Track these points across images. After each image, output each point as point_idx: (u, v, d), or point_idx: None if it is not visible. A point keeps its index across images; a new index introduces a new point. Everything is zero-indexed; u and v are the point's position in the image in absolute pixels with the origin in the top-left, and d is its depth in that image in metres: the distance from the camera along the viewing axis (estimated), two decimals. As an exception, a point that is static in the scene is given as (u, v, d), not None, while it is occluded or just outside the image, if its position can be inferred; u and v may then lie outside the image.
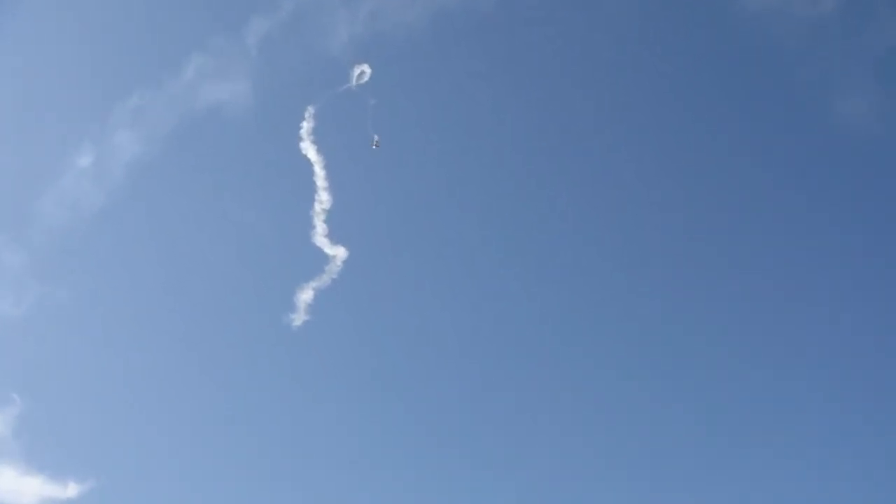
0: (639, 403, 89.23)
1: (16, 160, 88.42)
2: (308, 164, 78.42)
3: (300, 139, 78.44)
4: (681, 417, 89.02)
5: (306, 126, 78.14)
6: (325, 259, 78.28)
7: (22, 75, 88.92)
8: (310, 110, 78.18)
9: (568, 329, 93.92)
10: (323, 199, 77.03)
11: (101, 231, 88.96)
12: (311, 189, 78.29)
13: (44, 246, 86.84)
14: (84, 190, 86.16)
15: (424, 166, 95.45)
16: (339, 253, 77.53)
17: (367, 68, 75.96)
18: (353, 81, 76.19)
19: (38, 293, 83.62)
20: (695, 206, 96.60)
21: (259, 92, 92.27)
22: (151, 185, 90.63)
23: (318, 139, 78.68)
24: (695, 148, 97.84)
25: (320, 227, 76.96)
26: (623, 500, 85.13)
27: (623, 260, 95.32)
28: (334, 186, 78.40)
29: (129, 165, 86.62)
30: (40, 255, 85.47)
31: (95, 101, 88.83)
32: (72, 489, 76.40)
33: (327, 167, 77.86)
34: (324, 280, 78.41)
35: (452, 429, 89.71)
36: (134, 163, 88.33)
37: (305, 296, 78.63)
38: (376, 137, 76.98)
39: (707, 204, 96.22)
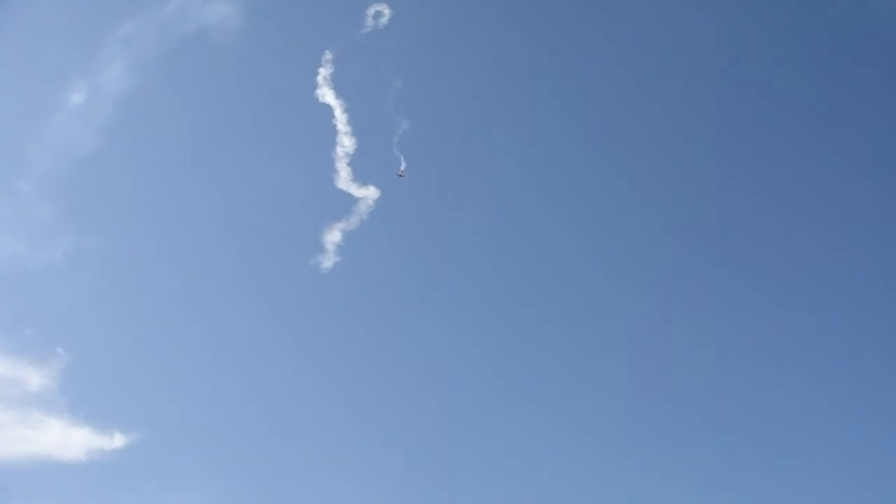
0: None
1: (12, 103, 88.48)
2: (327, 108, 78.64)
3: (317, 84, 78.46)
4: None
5: (324, 71, 78.15)
6: (352, 201, 78.67)
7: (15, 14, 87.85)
8: (327, 55, 78.22)
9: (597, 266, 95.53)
10: (346, 143, 77.13)
11: (126, 175, 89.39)
12: (332, 133, 78.71)
13: (74, 194, 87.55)
14: (111, 135, 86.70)
15: (449, 105, 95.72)
16: (368, 193, 77.77)
17: (385, 9, 76.20)
18: (371, 24, 76.45)
19: (70, 242, 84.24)
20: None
21: (276, 28, 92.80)
22: (171, 129, 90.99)
23: (337, 82, 78.82)
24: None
25: (344, 171, 77.23)
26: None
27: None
28: (356, 130, 78.80)
29: (130, 105, 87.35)
30: (72, 203, 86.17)
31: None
32: (118, 440, 77.81)
33: (348, 111, 77.90)
34: (352, 222, 78.84)
35: (483, 371, 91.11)
36: (147, 105, 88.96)
37: (333, 238, 79.17)
38: (403, 166, 77.11)
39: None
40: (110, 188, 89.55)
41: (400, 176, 76.14)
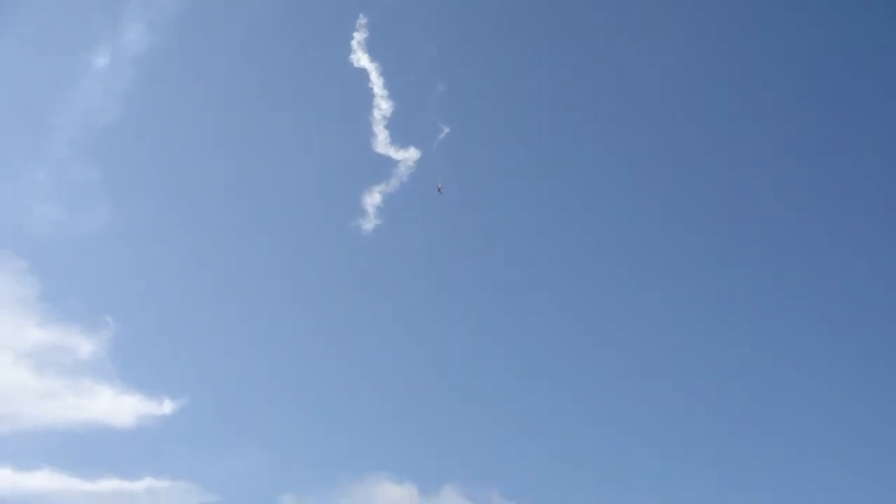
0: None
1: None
2: (363, 72, 78.09)
3: (352, 49, 77.85)
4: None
5: (358, 36, 77.46)
6: (391, 164, 78.41)
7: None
8: (361, 19, 77.47)
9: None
10: (382, 107, 76.63)
11: (159, 141, 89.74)
12: (368, 96, 78.13)
13: (115, 160, 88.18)
14: (139, 100, 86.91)
15: (487, 66, 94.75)
16: (408, 155, 77.40)
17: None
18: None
19: (112, 209, 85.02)
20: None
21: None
22: (203, 94, 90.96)
23: (371, 47, 78.17)
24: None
25: (382, 135, 76.82)
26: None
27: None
28: (392, 94, 78.14)
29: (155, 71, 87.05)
30: (113, 169, 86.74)
31: None
32: (167, 406, 79.26)
33: (384, 74, 77.25)
34: (392, 184, 78.69)
35: (526, 331, 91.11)
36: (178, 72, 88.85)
37: (373, 200, 79.09)
38: (440, 185, 76.30)
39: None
40: (146, 154, 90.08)
41: (439, 190, 75.80)
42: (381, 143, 75.91)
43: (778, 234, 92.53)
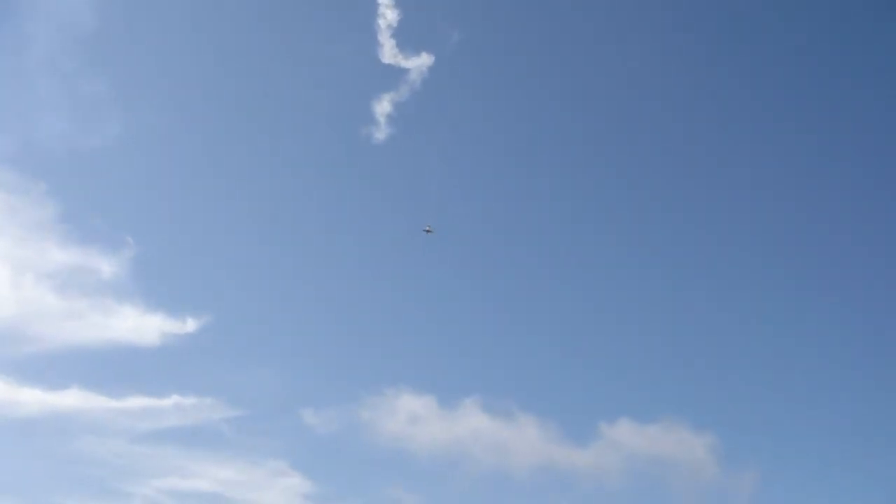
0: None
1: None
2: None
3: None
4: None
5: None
6: (400, 72, 76.39)
7: None
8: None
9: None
10: (388, 16, 74.33)
11: (177, 52, 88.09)
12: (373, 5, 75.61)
13: (123, 71, 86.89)
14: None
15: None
16: (420, 62, 75.32)
17: None
18: None
19: (121, 123, 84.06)
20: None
21: None
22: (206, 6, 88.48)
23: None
24: None
25: (388, 44, 74.71)
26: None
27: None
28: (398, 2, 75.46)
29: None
30: (120, 81, 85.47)
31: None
32: (190, 324, 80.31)
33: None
34: (402, 93, 76.93)
35: (546, 242, 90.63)
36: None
37: (383, 109, 77.52)
38: (428, 227, 73.42)
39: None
40: (155, 63, 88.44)
41: (428, 231, 73.88)
42: (388, 52, 73.83)
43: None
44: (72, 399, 74.95)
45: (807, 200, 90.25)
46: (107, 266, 78.51)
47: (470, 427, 75.45)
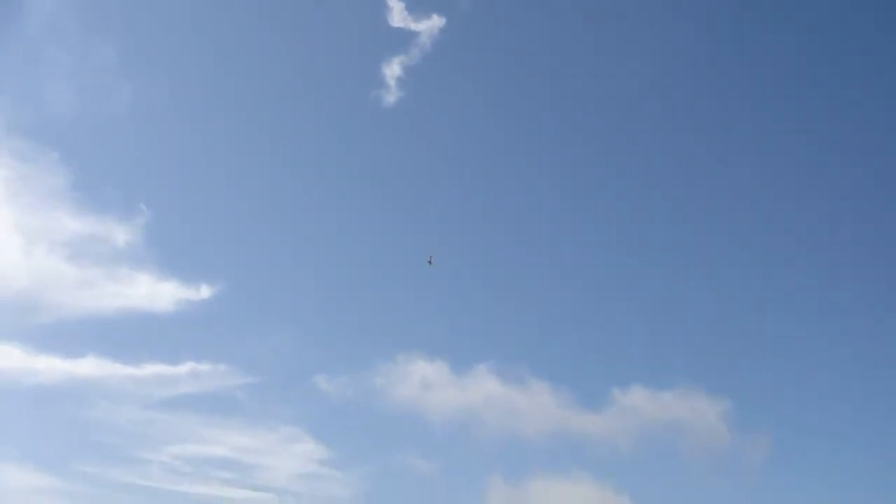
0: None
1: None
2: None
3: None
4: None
5: None
6: (410, 35, 75.37)
7: None
8: None
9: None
10: None
11: (186, 18, 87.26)
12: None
13: (131, 39, 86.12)
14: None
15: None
16: (431, 24, 74.26)
17: None
18: None
19: (131, 91, 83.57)
20: None
21: None
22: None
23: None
24: None
25: (397, 7, 73.67)
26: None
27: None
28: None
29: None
30: (130, 49, 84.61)
31: None
32: (204, 291, 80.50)
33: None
34: (413, 55, 75.99)
35: (564, 207, 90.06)
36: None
37: (392, 72, 76.67)
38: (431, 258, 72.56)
39: None
40: (164, 31, 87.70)
41: (430, 262, 73.17)
42: (398, 15, 72.88)
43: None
44: (88, 367, 75.63)
45: (815, 159, 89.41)
46: (120, 234, 78.70)
47: (482, 393, 75.73)
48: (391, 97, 76.45)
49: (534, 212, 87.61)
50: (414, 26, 73.19)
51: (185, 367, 75.35)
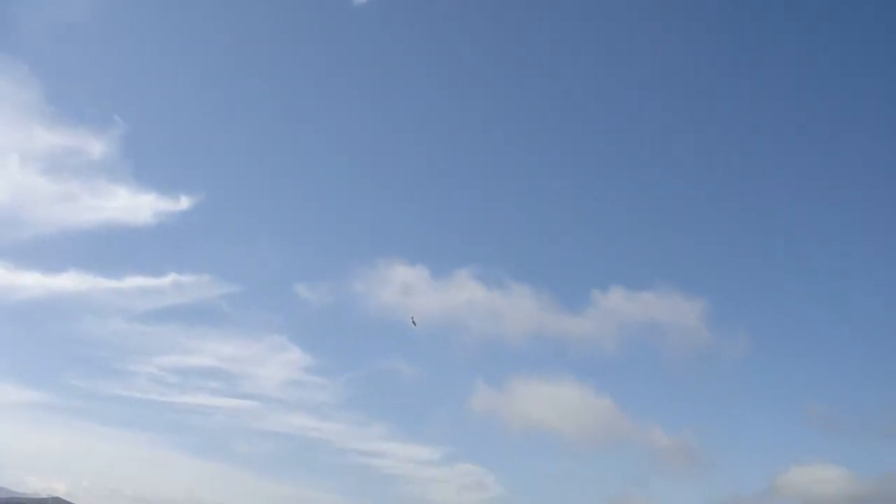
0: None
1: None
2: None
3: None
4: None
5: None
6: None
7: None
8: None
9: None
10: None
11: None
12: None
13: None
14: None
15: None
16: None
17: None
18: None
19: None
20: None
21: None
22: None
23: None
24: None
25: None
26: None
27: None
28: None
29: None
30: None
31: None
32: (184, 202, 79.80)
33: None
34: None
35: (542, 107, 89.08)
36: None
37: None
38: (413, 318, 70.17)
39: None
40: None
41: (413, 322, 71.67)
42: None
43: None
44: (70, 281, 75.80)
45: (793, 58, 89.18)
46: (96, 146, 77.60)
47: (463, 297, 77.06)
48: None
49: (513, 112, 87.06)
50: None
51: (168, 279, 75.84)
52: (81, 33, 72.43)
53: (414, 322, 73.48)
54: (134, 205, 72.17)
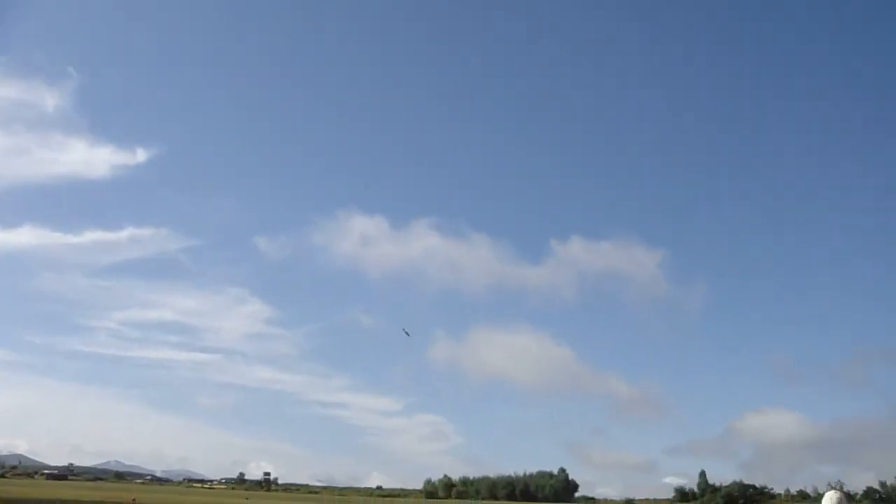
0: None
1: None
2: None
3: None
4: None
5: None
6: None
7: None
8: None
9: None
10: None
11: None
12: None
13: None
14: None
15: None
16: None
17: None
18: None
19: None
20: None
21: None
22: None
23: None
24: None
25: None
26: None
27: None
28: None
29: None
30: None
31: None
32: (140, 155, 79.33)
33: None
34: None
35: (511, 58, 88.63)
36: None
37: None
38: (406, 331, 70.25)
39: None
40: None
41: (407, 334, 72.19)
42: None
43: None
44: (26, 236, 75.46)
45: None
46: (49, 99, 76.72)
47: (422, 247, 77.86)
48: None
49: (474, 60, 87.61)
50: None
51: (126, 233, 75.87)
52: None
53: (407, 333, 75.05)
54: (89, 158, 71.75)
